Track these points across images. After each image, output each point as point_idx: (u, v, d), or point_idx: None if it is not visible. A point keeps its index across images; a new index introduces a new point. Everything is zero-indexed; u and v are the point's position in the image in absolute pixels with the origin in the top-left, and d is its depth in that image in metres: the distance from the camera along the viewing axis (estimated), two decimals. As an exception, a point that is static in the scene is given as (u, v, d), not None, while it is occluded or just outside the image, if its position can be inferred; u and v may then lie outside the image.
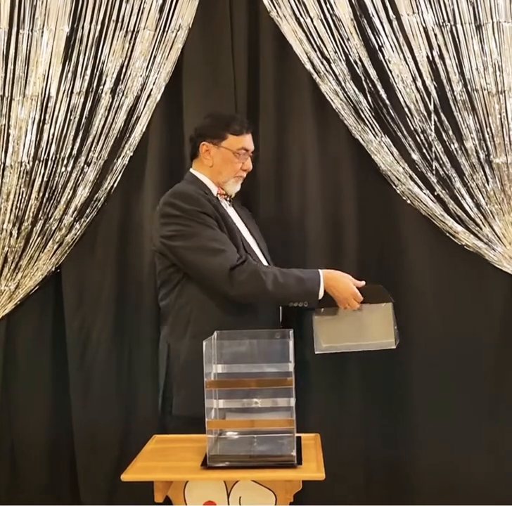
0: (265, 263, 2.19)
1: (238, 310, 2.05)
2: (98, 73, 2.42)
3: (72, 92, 2.41)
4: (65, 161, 2.43)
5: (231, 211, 2.21)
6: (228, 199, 2.22)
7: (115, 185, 2.47)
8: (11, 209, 2.43)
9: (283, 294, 2.02)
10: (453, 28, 2.34)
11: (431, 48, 2.35)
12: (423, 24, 2.34)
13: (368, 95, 2.37)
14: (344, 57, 2.37)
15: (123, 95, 2.43)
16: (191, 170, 2.23)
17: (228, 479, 1.53)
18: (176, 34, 2.43)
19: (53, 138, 2.42)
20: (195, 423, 1.83)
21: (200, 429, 1.71)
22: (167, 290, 2.13)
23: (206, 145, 2.16)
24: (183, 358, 2.04)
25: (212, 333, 1.93)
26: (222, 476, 1.52)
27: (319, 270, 2.07)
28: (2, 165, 2.42)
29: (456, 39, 2.34)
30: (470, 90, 2.34)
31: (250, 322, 2.02)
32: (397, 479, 2.46)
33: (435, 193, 2.38)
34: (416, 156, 2.37)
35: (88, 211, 2.46)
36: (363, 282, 2.10)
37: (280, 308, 2.22)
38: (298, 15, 2.37)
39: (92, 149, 2.44)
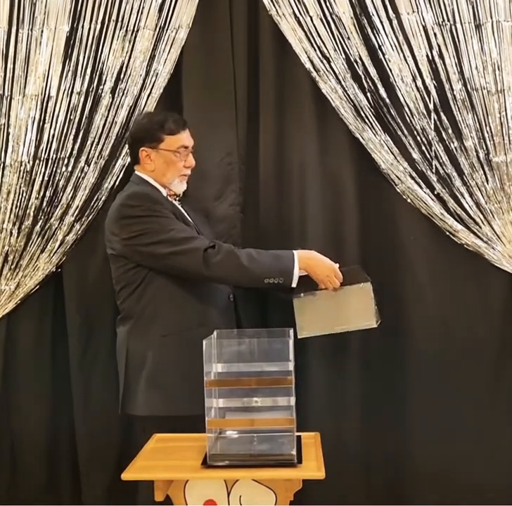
0: None
1: (204, 307, 2.09)
2: (98, 72, 2.41)
3: (72, 91, 2.40)
4: (66, 161, 2.42)
5: (183, 211, 2.21)
6: (177, 199, 2.22)
7: (116, 184, 2.46)
8: (11, 209, 2.43)
9: (258, 269, 2.01)
10: (453, 27, 2.34)
11: (431, 47, 2.34)
12: (423, 24, 2.34)
13: (368, 94, 2.37)
14: (344, 56, 2.36)
15: (123, 94, 2.42)
16: (136, 172, 2.22)
17: (229, 478, 1.53)
18: (176, 33, 2.42)
19: (53, 138, 2.41)
20: (170, 422, 1.89)
21: (176, 428, 1.78)
22: (127, 292, 2.12)
23: (145, 151, 2.15)
24: (151, 358, 2.04)
25: (179, 331, 2.02)
26: (222, 475, 1.52)
27: (293, 250, 2.08)
28: (2, 164, 2.42)
29: (456, 38, 2.34)
30: (469, 89, 2.34)
31: (212, 319, 2.06)
32: (397, 478, 2.46)
33: (435, 192, 2.38)
34: (415, 155, 2.37)
35: (88, 210, 2.46)
36: (337, 265, 2.12)
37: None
38: (298, 13, 2.37)
39: (92, 148, 2.43)
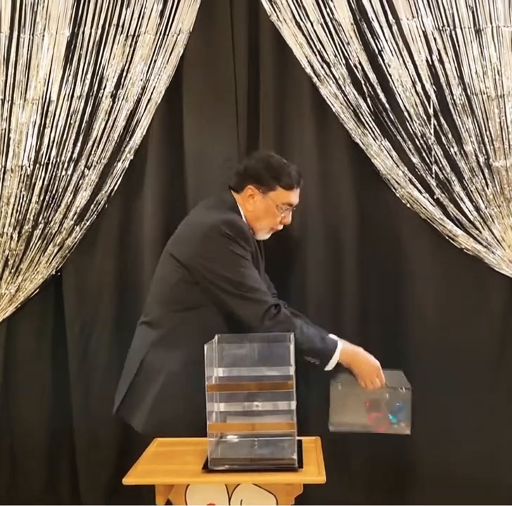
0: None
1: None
2: (98, 77, 2.42)
3: (72, 96, 2.42)
4: (66, 165, 2.44)
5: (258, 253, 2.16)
6: None
7: (115, 188, 2.47)
8: (12, 213, 2.43)
9: (304, 345, 1.95)
10: (453, 32, 2.35)
11: (430, 52, 2.35)
12: (423, 29, 2.35)
13: (368, 99, 2.38)
14: (344, 61, 2.37)
15: (123, 99, 2.44)
16: (238, 204, 2.09)
17: (230, 482, 1.53)
18: (177, 38, 2.43)
19: (53, 142, 2.43)
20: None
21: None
22: (171, 302, 2.03)
23: (252, 189, 2.07)
24: (165, 376, 1.96)
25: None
26: (223, 480, 1.52)
27: (338, 340, 2.04)
28: (3, 169, 2.43)
29: (456, 43, 2.35)
30: (469, 94, 2.35)
31: None
32: (398, 482, 2.47)
33: (435, 197, 2.39)
34: (415, 159, 2.38)
35: (88, 214, 2.47)
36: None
37: None
38: (298, 19, 2.38)
39: (92, 153, 2.44)
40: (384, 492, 2.47)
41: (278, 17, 2.40)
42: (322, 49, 2.38)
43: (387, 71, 2.37)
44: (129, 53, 2.43)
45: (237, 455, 1.57)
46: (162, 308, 2.05)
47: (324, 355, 2.00)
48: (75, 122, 2.43)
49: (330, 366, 2.00)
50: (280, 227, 2.14)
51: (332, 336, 2.04)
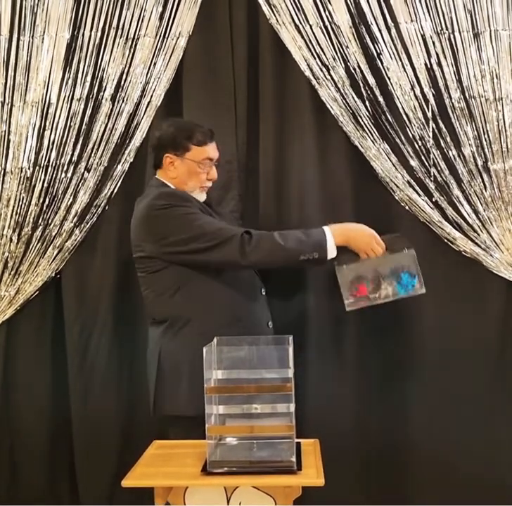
0: None
1: (238, 304, 2.08)
2: (98, 80, 2.43)
3: (72, 98, 2.42)
4: (65, 168, 2.44)
5: (211, 211, 2.20)
6: None
7: (115, 191, 2.48)
8: (11, 215, 2.44)
9: (293, 246, 1.99)
10: (451, 36, 2.36)
11: (429, 55, 2.36)
12: (421, 32, 2.36)
13: (367, 102, 2.38)
14: (343, 65, 2.38)
15: (123, 101, 2.44)
16: (157, 176, 2.19)
17: (228, 485, 1.53)
18: (177, 41, 2.43)
19: (53, 145, 2.43)
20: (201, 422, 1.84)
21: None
22: (158, 296, 2.09)
23: (170, 157, 2.13)
24: (188, 359, 1.97)
25: (214, 329, 1.90)
26: (222, 482, 1.53)
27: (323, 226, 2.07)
28: (2, 171, 2.43)
29: (454, 47, 2.36)
30: (467, 97, 2.36)
31: (247, 315, 2.08)
32: (397, 483, 2.47)
33: (433, 199, 2.39)
34: (414, 162, 2.39)
35: (88, 217, 2.47)
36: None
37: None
38: (297, 22, 2.38)
39: (92, 155, 2.45)
40: (383, 492, 2.47)
41: (277, 21, 2.40)
42: (321, 52, 2.39)
43: (386, 74, 2.37)
44: (128, 55, 2.43)
45: (236, 457, 1.57)
46: (157, 302, 2.11)
47: (317, 244, 2.00)
48: (75, 125, 2.43)
49: (331, 253, 2.01)
50: (209, 183, 2.19)
51: (313, 229, 2.06)
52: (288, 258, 2.01)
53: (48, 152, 2.44)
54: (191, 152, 2.12)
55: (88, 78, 2.43)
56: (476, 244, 2.39)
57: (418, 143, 2.38)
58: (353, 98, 2.39)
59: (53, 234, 2.46)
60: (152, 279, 2.10)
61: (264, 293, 2.21)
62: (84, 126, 2.44)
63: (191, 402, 1.94)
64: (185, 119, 2.27)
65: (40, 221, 2.45)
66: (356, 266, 2.08)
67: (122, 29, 2.43)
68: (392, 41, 2.36)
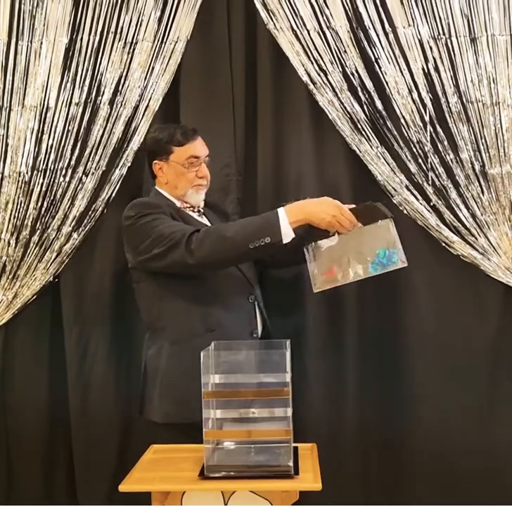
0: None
1: (213, 311, 2.03)
2: (96, 84, 2.42)
3: (70, 103, 2.42)
4: (64, 172, 2.44)
5: (202, 220, 2.18)
6: (196, 210, 2.19)
7: (113, 195, 2.47)
8: (9, 219, 2.43)
9: (240, 235, 1.86)
10: (449, 41, 2.36)
11: (427, 60, 2.37)
12: (419, 37, 2.36)
13: (365, 107, 2.39)
14: (340, 69, 2.38)
15: (121, 106, 2.43)
16: (155, 187, 2.21)
17: (226, 489, 1.53)
18: (175, 45, 2.43)
19: (51, 149, 2.43)
20: (184, 428, 1.87)
21: (191, 435, 1.73)
22: (143, 305, 2.13)
23: (158, 164, 2.14)
24: (163, 366, 2.01)
25: (187, 339, 1.97)
26: (219, 487, 1.52)
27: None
28: (0, 175, 2.43)
29: (451, 52, 2.37)
30: (465, 102, 2.36)
31: (225, 323, 2.02)
32: (396, 483, 2.47)
33: (431, 203, 2.39)
34: (412, 166, 2.39)
35: (86, 221, 2.46)
36: (351, 206, 1.91)
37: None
38: (295, 27, 2.39)
39: (90, 159, 2.44)
40: (383, 492, 2.47)
41: (274, 26, 2.41)
42: (319, 57, 2.39)
43: (384, 79, 2.38)
44: (126, 60, 2.43)
45: (233, 461, 1.57)
46: (143, 311, 2.14)
47: (270, 225, 1.83)
48: (73, 129, 2.43)
49: (287, 235, 1.82)
50: (203, 181, 2.15)
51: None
52: (237, 249, 1.87)
53: (47, 156, 2.43)
54: (174, 153, 2.11)
55: (87, 82, 2.43)
56: (474, 248, 2.38)
57: (415, 147, 2.38)
58: (351, 102, 2.39)
59: (51, 238, 2.46)
60: (138, 289, 2.13)
61: (251, 300, 2.12)
62: (82, 131, 2.43)
63: (160, 409, 1.99)
64: (167, 124, 2.27)
65: (38, 225, 2.45)
66: (324, 242, 1.90)
67: (120, 33, 2.43)
68: (390, 45, 2.36)
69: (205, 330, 2.00)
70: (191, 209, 2.17)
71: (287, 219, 1.84)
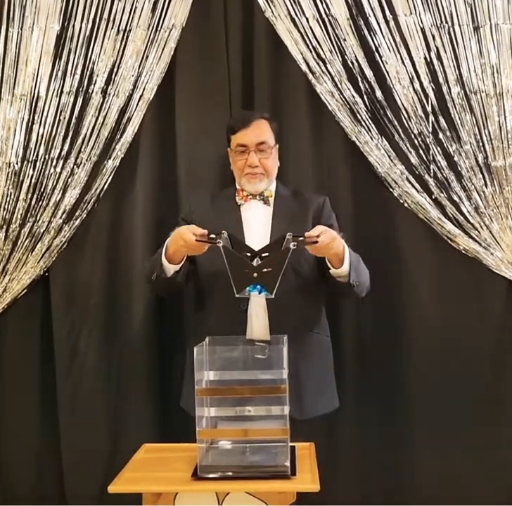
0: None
1: (205, 316, 2.06)
2: (88, 72, 2.37)
3: (61, 91, 2.37)
4: (55, 162, 2.39)
5: (247, 208, 2.10)
6: (260, 198, 2.10)
7: (106, 186, 2.42)
8: (-1, 211, 2.39)
9: (149, 264, 2.02)
10: (451, 29, 2.32)
11: (429, 49, 2.33)
12: (421, 25, 2.32)
13: (365, 97, 2.35)
14: (340, 58, 2.34)
15: (114, 95, 2.38)
16: None
17: (220, 490, 1.47)
18: (169, 33, 2.37)
19: (42, 139, 2.38)
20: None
21: None
22: None
23: (228, 150, 2.17)
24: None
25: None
26: (213, 488, 1.46)
27: None
28: (-10, 166, 2.38)
29: (454, 41, 2.32)
30: (468, 92, 2.33)
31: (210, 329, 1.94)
32: (396, 483, 2.43)
33: (433, 196, 2.36)
34: (413, 158, 2.35)
35: (77, 213, 2.41)
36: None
37: None
38: (293, 14, 2.34)
39: (82, 150, 2.39)
40: (382, 492, 2.43)
41: (272, 13, 2.35)
42: (318, 46, 2.34)
43: (385, 68, 2.34)
44: (120, 48, 2.38)
45: (228, 462, 1.52)
46: None
47: (155, 261, 1.96)
48: (64, 118, 2.38)
49: (168, 269, 1.91)
50: (254, 170, 2.06)
51: None
52: (148, 279, 2.02)
53: (37, 146, 2.38)
54: (231, 142, 2.13)
55: (79, 70, 2.37)
56: (476, 242, 2.35)
57: (417, 139, 2.35)
58: (350, 92, 2.35)
59: (42, 231, 2.40)
60: None
61: (244, 308, 2.01)
62: (73, 120, 2.38)
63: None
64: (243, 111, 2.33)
65: (28, 218, 2.40)
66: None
67: (114, 20, 2.37)
68: (391, 34, 2.32)
69: (192, 334, 2.06)
70: (247, 196, 2.10)
71: (163, 251, 1.93)
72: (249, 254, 1.78)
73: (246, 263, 1.69)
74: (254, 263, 1.74)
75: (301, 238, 1.72)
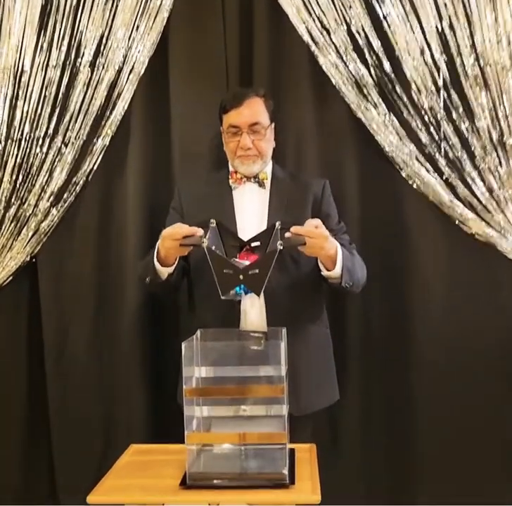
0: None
1: (200, 310, 2.00)
2: (75, 44, 2.30)
3: (47, 65, 2.30)
4: (41, 142, 2.33)
5: (241, 191, 2.02)
6: (255, 181, 2.01)
7: (95, 167, 2.35)
8: (-19, 193, 2.33)
9: (141, 269, 1.98)
10: (465, -5, 2.22)
11: (441, 18, 2.23)
12: (432, -8, 2.22)
13: (372, 69, 2.27)
14: (345, 28, 2.25)
15: (103, 68, 2.31)
16: None
17: (211, 501, 1.35)
18: (162, 1, 2.29)
19: (27, 116, 2.31)
20: None
21: None
22: None
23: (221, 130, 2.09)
24: None
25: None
26: (204, 498, 1.34)
27: None
28: (-29, 145, 2.31)
29: (468, 9, 2.22)
30: (482, 64, 2.22)
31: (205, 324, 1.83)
32: (396, 483, 2.38)
33: (444, 177, 2.28)
34: (423, 136, 2.27)
35: (65, 195, 2.34)
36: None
37: None
38: (295, -20, 2.24)
39: (70, 128, 2.33)
40: (382, 492, 2.38)
41: (272, -22, 2.26)
42: (321, 14, 2.26)
43: (393, 38, 2.24)
44: (108, 18, 2.30)
45: (220, 468, 1.41)
46: None
47: (148, 263, 1.90)
48: (50, 94, 2.30)
49: (161, 273, 1.87)
50: (246, 153, 1.97)
51: None
52: (141, 282, 2.00)
53: (22, 124, 2.31)
54: (223, 121, 2.05)
55: (65, 42, 2.30)
56: (490, 226, 2.27)
57: (427, 115, 2.26)
58: (356, 64, 2.26)
59: (28, 214, 2.34)
60: None
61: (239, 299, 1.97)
62: (60, 96, 2.31)
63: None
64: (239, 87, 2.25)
65: (13, 200, 2.33)
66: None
67: (102, -12, 2.29)
68: (400, 1, 2.22)
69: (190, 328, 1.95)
70: (240, 179, 2.01)
71: (155, 253, 1.87)
72: (238, 245, 1.72)
73: (231, 265, 1.62)
74: (243, 255, 1.68)
75: (288, 235, 1.64)
